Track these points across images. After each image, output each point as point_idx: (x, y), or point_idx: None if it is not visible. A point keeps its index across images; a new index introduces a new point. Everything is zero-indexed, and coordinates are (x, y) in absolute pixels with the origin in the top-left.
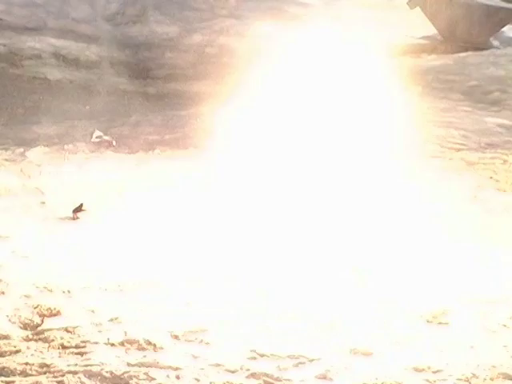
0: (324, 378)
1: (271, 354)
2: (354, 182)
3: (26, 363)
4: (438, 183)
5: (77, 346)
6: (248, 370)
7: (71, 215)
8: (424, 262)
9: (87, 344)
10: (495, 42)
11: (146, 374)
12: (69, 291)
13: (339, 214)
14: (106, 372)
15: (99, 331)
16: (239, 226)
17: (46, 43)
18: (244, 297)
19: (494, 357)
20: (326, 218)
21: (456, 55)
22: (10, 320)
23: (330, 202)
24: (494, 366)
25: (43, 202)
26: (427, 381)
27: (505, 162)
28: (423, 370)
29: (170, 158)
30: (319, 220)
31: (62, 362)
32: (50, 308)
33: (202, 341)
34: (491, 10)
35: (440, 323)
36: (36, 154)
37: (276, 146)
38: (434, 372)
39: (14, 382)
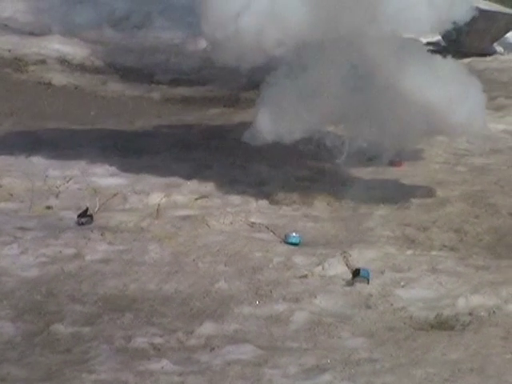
0: None
1: None
2: None
3: None
4: None
5: None
6: None
7: (77, 220)
8: None
9: None
10: (499, 48)
11: None
12: None
13: None
14: None
15: None
16: None
17: (51, 49)
18: None
19: None
20: None
21: (460, 61)
22: None
23: None
24: None
25: (49, 207)
26: None
27: (509, 167)
28: None
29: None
30: None
31: None
32: None
33: None
34: (495, 16)
35: None
36: (41, 158)
37: None
38: None
39: None
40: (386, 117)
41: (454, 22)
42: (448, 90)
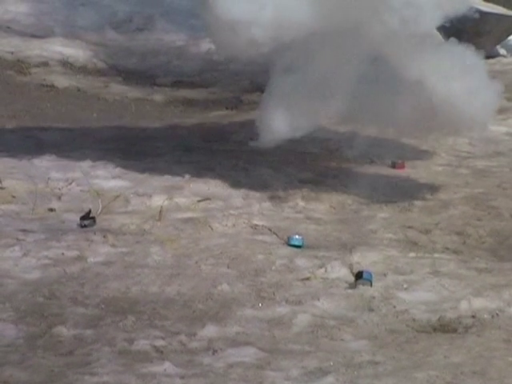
0: None
1: None
2: None
3: None
4: None
5: None
6: None
7: (79, 222)
8: None
9: None
10: (502, 50)
11: None
12: None
13: None
14: None
15: None
16: None
17: (54, 51)
18: None
19: None
20: None
21: None
22: None
23: None
24: None
25: (51, 209)
26: None
27: None
28: None
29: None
30: None
31: None
32: None
33: None
34: (498, 19)
35: None
36: (43, 161)
37: None
38: None
39: None
40: (394, 109)
41: (452, 20)
42: (464, 80)
